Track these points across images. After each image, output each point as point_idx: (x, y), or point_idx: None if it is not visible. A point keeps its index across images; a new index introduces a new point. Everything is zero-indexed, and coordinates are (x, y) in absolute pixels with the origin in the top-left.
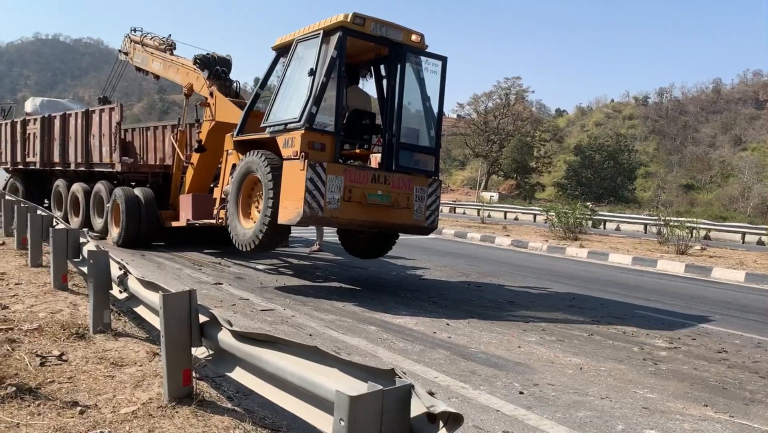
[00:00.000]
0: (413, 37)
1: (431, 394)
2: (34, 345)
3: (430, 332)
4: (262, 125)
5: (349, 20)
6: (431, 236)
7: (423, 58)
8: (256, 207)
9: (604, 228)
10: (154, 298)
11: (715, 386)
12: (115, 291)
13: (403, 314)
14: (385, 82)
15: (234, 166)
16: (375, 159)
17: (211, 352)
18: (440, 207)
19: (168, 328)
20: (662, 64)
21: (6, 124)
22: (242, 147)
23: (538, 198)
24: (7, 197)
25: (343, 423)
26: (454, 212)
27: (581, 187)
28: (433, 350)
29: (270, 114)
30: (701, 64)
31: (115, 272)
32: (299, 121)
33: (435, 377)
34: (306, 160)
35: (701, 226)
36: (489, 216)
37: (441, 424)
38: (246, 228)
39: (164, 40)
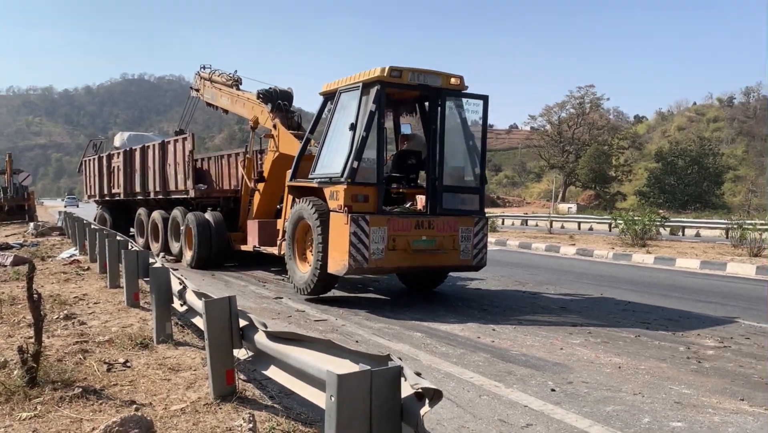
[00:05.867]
0: (452, 80)
1: (418, 375)
2: (104, 354)
3: (474, 337)
4: (310, 176)
5: (386, 74)
6: (494, 247)
7: (464, 99)
8: (311, 251)
9: (683, 234)
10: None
11: (758, 382)
12: (176, 304)
13: (451, 321)
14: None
15: (293, 203)
16: (421, 200)
17: (251, 353)
18: (489, 242)
19: (210, 331)
20: (747, 61)
21: (93, 159)
22: (296, 191)
23: (619, 208)
24: (92, 226)
25: (333, 399)
26: (526, 224)
27: (664, 195)
28: (474, 353)
29: (317, 165)
30: None
31: (176, 286)
32: (341, 176)
33: (470, 378)
34: (349, 215)
35: None
36: (562, 227)
37: (427, 400)
38: (302, 272)
39: (231, 75)
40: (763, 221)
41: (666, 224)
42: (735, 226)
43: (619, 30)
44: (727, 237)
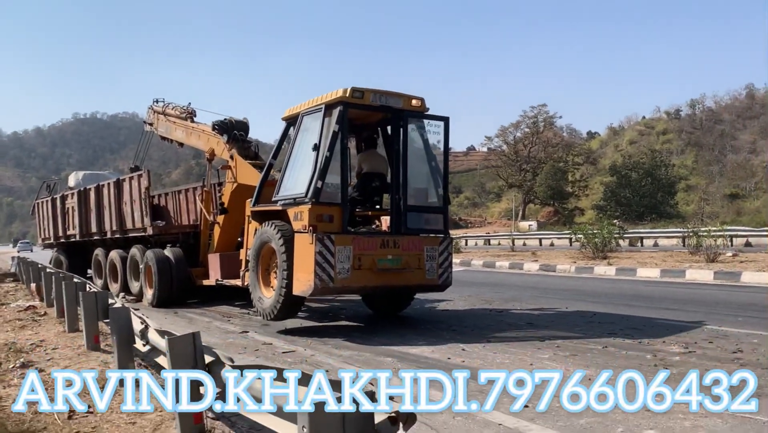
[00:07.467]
0: (413, 102)
1: (391, 399)
2: None
3: (444, 358)
4: (273, 199)
5: (348, 95)
6: (459, 267)
7: (425, 121)
8: (275, 275)
9: (642, 245)
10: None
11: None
12: (139, 345)
13: (421, 344)
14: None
15: (256, 230)
16: (385, 221)
17: (218, 390)
18: (454, 262)
19: (175, 369)
20: (691, 75)
21: (47, 201)
22: (259, 217)
23: (578, 222)
24: (48, 270)
25: (305, 430)
26: (489, 244)
27: (621, 208)
28: None
29: (280, 187)
30: (731, 70)
31: (137, 326)
32: (306, 196)
33: None
34: (314, 234)
35: (739, 233)
36: (524, 244)
37: (401, 424)
38: (266, 297)
39: (185, 108)
40: (716, 228)
41: (625, 235)
42: (691, 234)
43: (568, 49)
44: (683, 245)
